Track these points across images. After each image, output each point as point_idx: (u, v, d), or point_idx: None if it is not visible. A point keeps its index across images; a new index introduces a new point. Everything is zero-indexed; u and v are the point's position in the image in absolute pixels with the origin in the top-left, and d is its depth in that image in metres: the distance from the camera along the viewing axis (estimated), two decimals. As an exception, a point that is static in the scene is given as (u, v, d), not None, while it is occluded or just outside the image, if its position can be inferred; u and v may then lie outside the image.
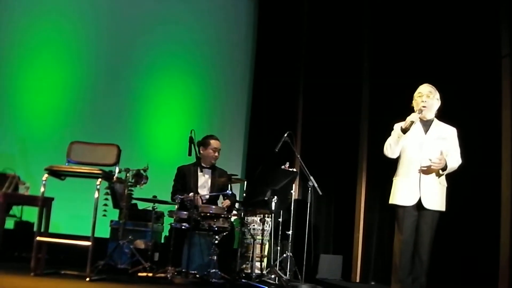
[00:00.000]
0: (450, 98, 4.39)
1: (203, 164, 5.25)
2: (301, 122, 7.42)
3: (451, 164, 4.01)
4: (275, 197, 4.87)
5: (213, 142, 5.27)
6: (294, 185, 6.17)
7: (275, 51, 7.72)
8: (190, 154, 4.75)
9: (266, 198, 4.83)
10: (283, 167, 5.51)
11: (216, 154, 5.28)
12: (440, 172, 4.00)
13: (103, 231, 5.56)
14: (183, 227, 4.71)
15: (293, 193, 6.13)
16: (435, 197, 4.01)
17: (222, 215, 4.75)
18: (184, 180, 5.23)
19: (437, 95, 4.16)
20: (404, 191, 4.07)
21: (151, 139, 7.33)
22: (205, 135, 5.31)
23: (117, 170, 4.56)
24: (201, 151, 5.20)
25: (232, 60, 7.93)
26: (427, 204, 3.98)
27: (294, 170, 5.78)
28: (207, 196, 5.18)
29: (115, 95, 7.21)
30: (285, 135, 5.16)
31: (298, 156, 5.45)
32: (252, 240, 5.35)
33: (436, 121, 4.15)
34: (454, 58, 5.42)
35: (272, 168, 4.97)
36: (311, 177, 5.17)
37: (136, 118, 7.32)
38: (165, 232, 5.88)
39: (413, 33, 5.91)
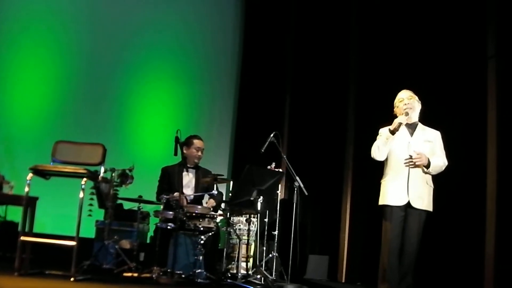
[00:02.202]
0: (436, 100, 4.48)
1: (187, 164, 5.28)
2: (288, 122, 7.47)
3: (435, 162, 4.09)
4: (261, 197, 4.90)
5: (196, 142, 5.30)
6: (280, 185, 6.21)
7: (263, 52, 7.77)
8: (176, 154, 4.76)
9: (252, 198, 4.86)
10: (269, 167, 5.55)
11: (200, 153, 5.32)
12: (425, 169, 4.08)
13: (88, 231, 5.57)
14: (168, 227, 4.73)
15: (279, 194, 6.16)
16: (422, 197, 4.09)
17: (208, 215, 4.77)
18: (169, 180, 5.26)
19: (417, 98, 4.27)
20: (393, 192, 4.14)
21: (137, 139, 7.35)
22: (188, 135, 5.36)
23: (102, 169, 4.55)
24: (185, 151, 5.23)
25: (219, 62, 7.96)
26: (415, 204, 4.06)
27: (280, 170, 5.81)
28: (192, 196, 5.21)
29: (101, 95, 7.22)
30: (271, 135, 5.20)
31: (284, 156, 5.47)
32: (238, 240, 5.36)
33: (420, 124, 4.26)
34: (439, 60, 5.47)
35: (258, 169, 4.98)
36: (297, 178, 5.21)
37: (122, 118, 7.34)
38: (151, 232, 5.91)
39: (400, 33, 5.97)
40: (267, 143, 5.17)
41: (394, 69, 5.93)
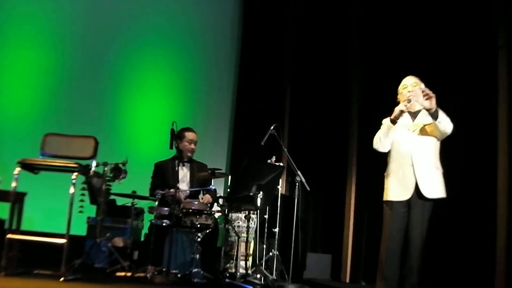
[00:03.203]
0: (444, 90, 4.42)
1: (182, 158, 5.27)
2: (289, 114, 7.41)
3: (443, 115, 3.97)
4: (261, 192, 4.87)
5: (188, 134, 5.31)
6: (280, 180, 6.17)
7: (262, 40, 7.70)
8: (171, 147, 4.77)
9: (251, 194, 4.83)
10: (269, 161, 5.51)
11: (192, 146, 5.33)
12: (432, 120, 3.97)
13: (80, 228, 5.52)
14: (164, 224, 4.71)
15: (280, 189, 6.12)
16: (433, 183, 4.03)
17: (205, 212, 4.74)
18: (163, 176, 5.26)
19: (423, 85, 4.18)
20: (395, 187, 4.10)
21: (131, 131, 7.29)
22: (180, 128, 5.33)
23: (94, 163, 4.55)
24: (177, 145, 5.23)
25: (217, 51, 7.90)
26: (427, 193, 3.99)
27: (281, 164, 5.77)
28: (188, 192, 5.19)
29: (93, 85, 7.17)
30: (272, 127, 5.17)
31: (285, 149, 5.45)
32: (236, 237, 5.35)
33: (423, 111, 4.16)
34: (449, 49, 5.44)
35: (258, 162, 4.96)
36: (299, 172, 5.19)
37: (115, 109, 7.28)
38: (145, 230, 5.86)
39: (407, 19, 5.92)
40: (267, 135, 5.13)
41: (400, 56, 5.87)
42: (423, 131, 4.11)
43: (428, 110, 3.97)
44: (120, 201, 5.78)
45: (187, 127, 5.38)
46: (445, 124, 3.99)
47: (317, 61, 7.08)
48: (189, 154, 5.34)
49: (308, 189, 5.19)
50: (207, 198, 5.16)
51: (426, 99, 3.92)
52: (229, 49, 7.99)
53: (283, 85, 7.58)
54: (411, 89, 4.15)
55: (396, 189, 4.09)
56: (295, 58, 7.51)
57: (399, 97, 4.25)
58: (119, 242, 5.39)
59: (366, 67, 6.44)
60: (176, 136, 5.16)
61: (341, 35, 6.84)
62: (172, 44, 7.62)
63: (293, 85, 7.48)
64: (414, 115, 4.19)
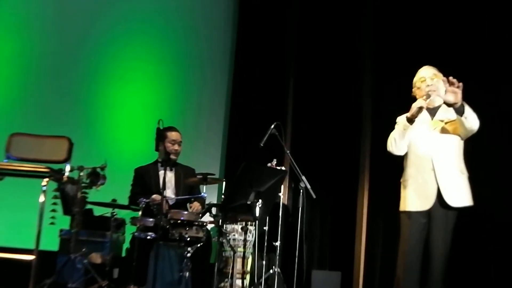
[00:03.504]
0: (468, 82, 4.42)
1: (166, 162, 5.25)
2: (292, 111, 7.39)
3: (470, 110, 3.94)
4: (260, 200, 4.86)
5: (170, 134, 5.34)
6: (282, 186, 6.18)
7: (261, 28, 7.66)
8: (157, 149, 4.75)
9: (249, 202, 4.82)
10: (269, 164, 5.54)
11: (176, 147, 5.37)
12: (457, 116, 3.95)
13: (51, 243, 5.53)
14: (148, 237, 4.69)
15: (282, 196, 6.14)
16: (459, 190, 4.04)
17: (196, 223, 4.73)
18: (144, 182, 5.29)
19: (442, 77, 4.15)
20: (414, 195, 4.10)
21: (111, 131, 7.28)
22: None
23: (68, 168, 4.57)
24: (160, 147, 5.21)
25: (211, 39, 7.86)
26: (451, 201, 3.99)
27: (283, 168, 5.79)
28: (175, 200, 5.22)
29: (67, 77, 7.16)
30: (272, 126, 5.19)
31: (288, 152, 5.46)
32: (232, 252, 5.37)
33: (444, 107, 4.16)
34: (471, 34, 5.49)
35: (256, 166, 4.95)
36: (303, 177, 5.21)
37: (93, 106, 7.27)
38: (127, 244, 5.85)
39: (423, 12, 5.94)
40: (267, 135, 5.15)
41: (415, 49, 5.89)
42: (444, 130, 4.10)
43: (452, 105, 3.94)
44: (98, 211, 5.77)
45: (169, 126, 5.39)
46: (472, 120, 3.97)
47: (324, 50, 7.07)
48: (173, 157, 5.36)
49: (314, 196, 5.21)
50: (196, 206, 5.16)
51: (452, 92, 3.89)
52: (225, 37, 7.97)
53: (286, 77, 7.54)
54: (430, 82, 4.15)
55: (415, 198, 4.09)
56: (298, 47, 7.49)
57: (415, 91, 4.24)
58: (96, 258, 5.39)
59: (379, 56, 6.45)
60: (157, 138, 5.19)
61: (350, 21, 6.85)
62: (158, 30, 7.59)
63: (297, 77, 7.44)
64: (432, 111, 4.18)
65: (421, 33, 5.91)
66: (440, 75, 4.19)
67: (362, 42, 6.64)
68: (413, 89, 4.28)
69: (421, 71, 4.26)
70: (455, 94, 3.88)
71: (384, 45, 6.40)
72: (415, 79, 4.27)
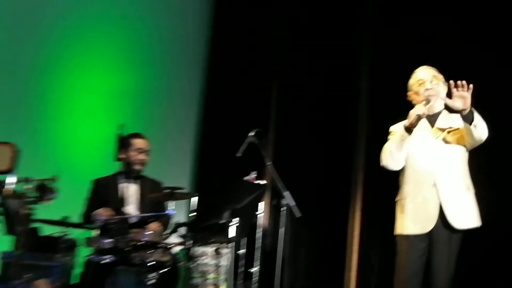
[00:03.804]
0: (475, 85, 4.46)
1: (128, 173, 5.34)
2: (275, 117, 7.42)
3: (479, 117, 3.93)
4: (236, 219, 4.87)
5: (136, 142, 5.35)
6: (262, 203, 6.16)
7: (240, 22, 7.71)
8: (118, 159, 4.75)
9: (222, 221, 4.82)
10: (247, 178, 5.52)
11: (142, 156, 5.37)
12: (464, 124, 3.95)
13: (-10, 268, 5.46)
14: (105, 261, 4.68)
15: (261, 215, 6.10)
16: (464, 210, 4.04)
17: (161, 245, 4.73)
18: (102, 197, 5.29)
19: (442, 78, 4.19)
20: (415, 215, 4.10)
21: (63, 138, 7.22)
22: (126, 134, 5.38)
23: (12, 179, 4.50)
24: (122, 155, 5.29)
25: (182, 38, 7.96)
26: (456, 222, 3.99)
27: (263, 182, 5.78)
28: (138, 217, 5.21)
29: (11, 75, 7.08)
30: (251, 133, 5.23)
31: (269, 163, 5.46)
32: (202, 279, 5.33)
33: (445, 113, 4.18)
34: (478, 31, 5.55)
35: (232, 180, 4.97)
36: (286, 193, 5.20)
37: (42, 109, 7.20)
38: (80, 269, 5.81)
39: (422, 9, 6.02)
40: (245, 144, 5.18)
41: (419, 44, 5.92)
42: (446, 139, 4.11)
43: (460, 111, 3.94)
44: (46, 230, 5.71)
45: (134, 132, 5.41)
46: (481, 129, 3.96)
47: (314, 48, 7.13)
48: (138, 167, 5.36)
49: (298, 215, 5.20)
50: (154, 227, 5.13)
51: (460, 97, 3.88)
52: (198, 32, 8.01)
53: (268, 80, 7.59)
54: (429, 85, 4.14)
55: (414, 219, 4.09)
56: (284, 47, 7.53)
57: (412, 95, 4.24)
58: (43, 285, 5.33)
59: (378, 58, 6.51)
60: (119, 145, 5.18)
61: (348, 12, 6.93)
62: (121, 27, 7.59)
63: (280, 80, 7.50)
64: (432, 118, 4.17)
65: (420, 33, 5.97)
66: (441, 76, 4.20)
67: (358, 40, 6.69)
68: (408, 93, 4.27)
69: (419, 72, 4.24)
70: (464, 99, 3.86)
71: (382, 44, 6.46)
72: (411, 82, 4.25)
